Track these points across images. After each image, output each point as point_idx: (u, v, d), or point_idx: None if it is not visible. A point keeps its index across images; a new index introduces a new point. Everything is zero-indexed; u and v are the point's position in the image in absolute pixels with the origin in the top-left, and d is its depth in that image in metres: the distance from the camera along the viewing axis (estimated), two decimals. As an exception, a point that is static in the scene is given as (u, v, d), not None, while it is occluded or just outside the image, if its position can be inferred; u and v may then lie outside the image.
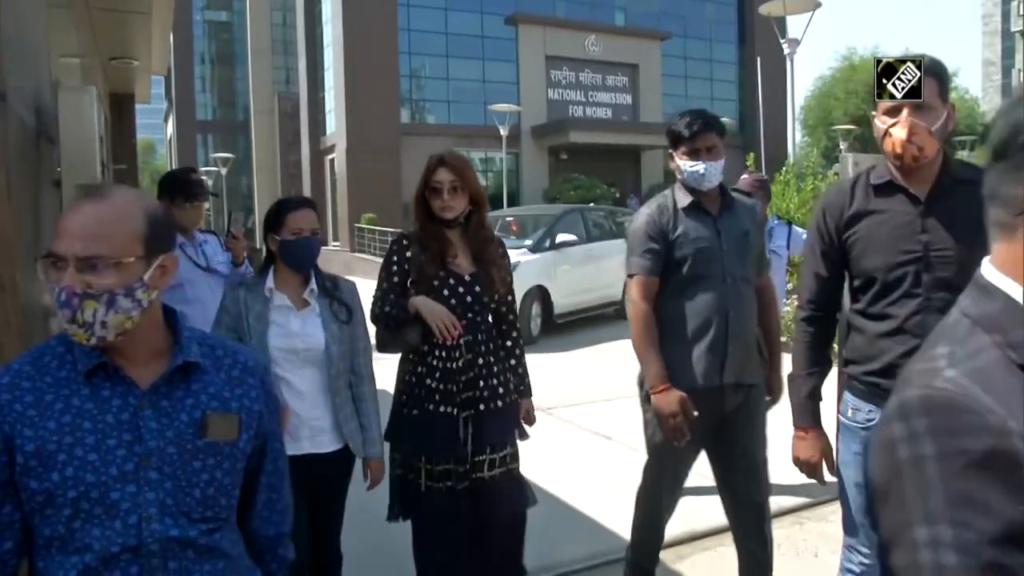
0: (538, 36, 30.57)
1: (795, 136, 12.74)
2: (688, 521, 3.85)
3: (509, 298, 3.16)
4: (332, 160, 31.00)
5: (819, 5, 11.84)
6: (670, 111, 33.80)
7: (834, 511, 3.78)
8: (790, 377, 2.76)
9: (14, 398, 1.39)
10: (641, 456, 3.20)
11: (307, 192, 32.80)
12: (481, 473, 2.87)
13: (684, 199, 3.12)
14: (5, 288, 1.93)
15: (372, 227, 25.62)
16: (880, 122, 2.44)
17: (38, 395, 1.41)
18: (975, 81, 43.90)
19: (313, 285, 2.72)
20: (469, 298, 2.94)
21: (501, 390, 2.96)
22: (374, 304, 3.01)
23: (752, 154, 11.29)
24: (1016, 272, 0.84)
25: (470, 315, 2.93)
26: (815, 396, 2.67)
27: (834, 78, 40.84)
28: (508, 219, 13.05)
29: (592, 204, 19.68)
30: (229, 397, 1.54)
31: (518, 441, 3.03)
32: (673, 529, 3.38)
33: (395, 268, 3.02)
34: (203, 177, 4.26)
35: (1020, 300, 0.82)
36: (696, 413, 2.93)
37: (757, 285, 3.26)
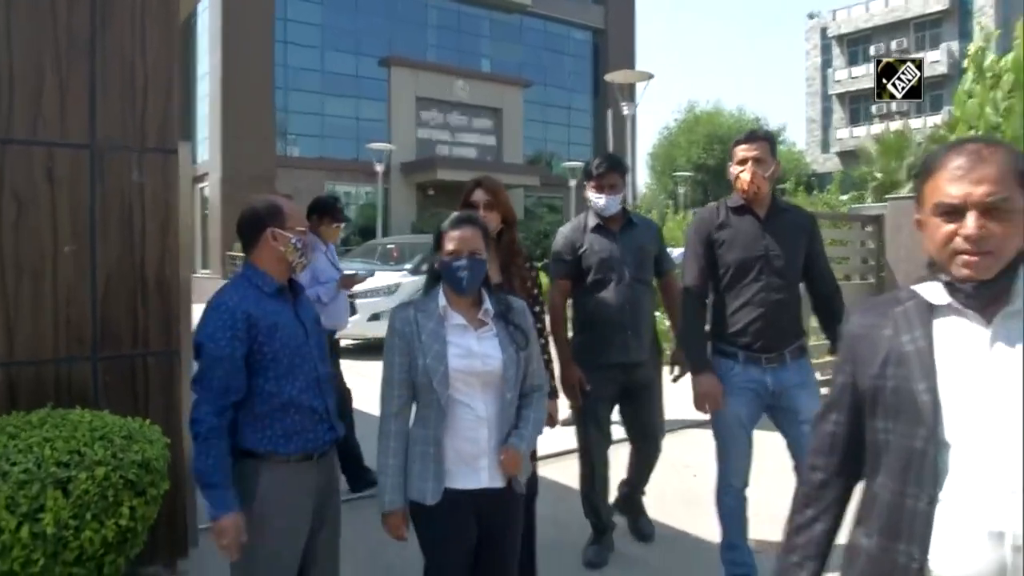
0: (409, 78, 32.15)
1: (635, 181, 15.02)
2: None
3: (536, 308, 3.37)
4: (203, 188, 31.43)
5: (652, 77, 14.29)
6: (530, 152, 36.20)
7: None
8: (681, 337, 3.70)
9: (249, 308, 2.43)
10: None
11: (176, 218, 32.85)
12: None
13: (592, 221, 3.93)
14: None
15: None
16: (733, 169, 3.42)
17: (256, 304, 2.46)
18: (800, 136, 48.68)
19: (488, 304, 2.52)
20: None
21: None
22: None
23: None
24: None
25: None
26: (703, 348, 3.49)
27: (679, 129, 44.54)
28: (389, 246, 14.69)
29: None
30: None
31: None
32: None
33: None
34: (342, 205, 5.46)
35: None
36: (589, 387, 3.80)
37: (663, 284, 4.15)
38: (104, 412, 3.06)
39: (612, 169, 3.91)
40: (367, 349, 12.76)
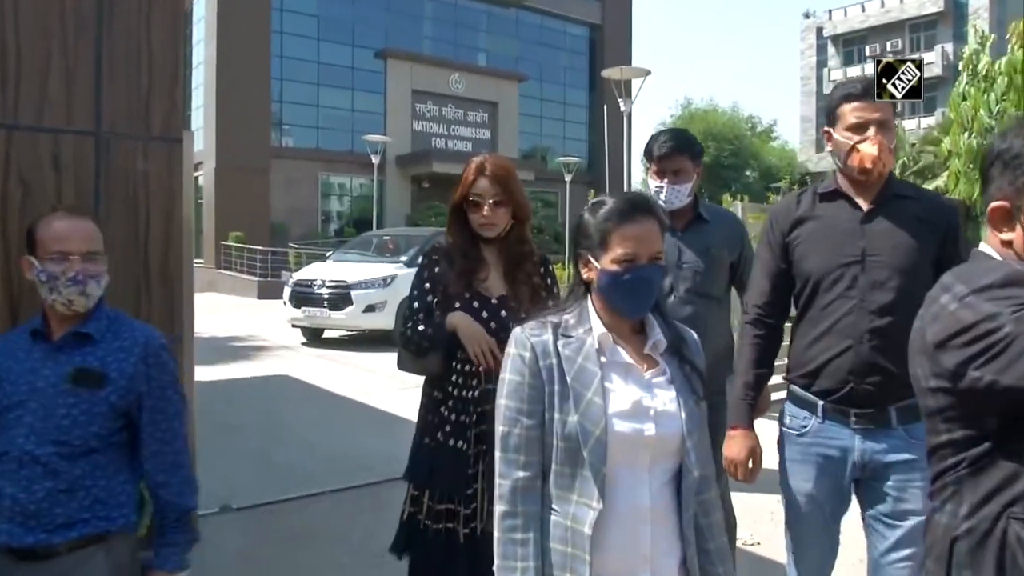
0: (405, 71, 32.12)
1: (630, 179, 15.12)
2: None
3: None
4: (198, 178, 31.38)
5: (648, 73, 14.40)
6: (525, 147, 36.25)
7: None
8: (731, 378, 2.62)
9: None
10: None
11: (169, 207, 32.79)
12: (486, 524, 2.32)
13: None
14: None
15: (239, 245, 26.46)
16: (843, 137, 2.31)
17: (6, 350, 1.98)
18: (795, 135, 48.75)
19: (659, 334, 1.73)
20: (493, 324, 2.50)
21: None
22: (404, 323, 2.62)
23: (593, 191, 13.50)
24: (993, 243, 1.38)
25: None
26: (749, 397, 2.48)
27: (674, 125, 44.68)
28: (385, 238, 14.75)
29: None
30: (108, 360, 1.91)
31: None
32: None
33: (427, 286, 2.63)
34: None
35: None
36: None
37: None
38: (108, 396, 3.08)
39: (678, 150, 3.02)
40: (362, 341, 12.84)
